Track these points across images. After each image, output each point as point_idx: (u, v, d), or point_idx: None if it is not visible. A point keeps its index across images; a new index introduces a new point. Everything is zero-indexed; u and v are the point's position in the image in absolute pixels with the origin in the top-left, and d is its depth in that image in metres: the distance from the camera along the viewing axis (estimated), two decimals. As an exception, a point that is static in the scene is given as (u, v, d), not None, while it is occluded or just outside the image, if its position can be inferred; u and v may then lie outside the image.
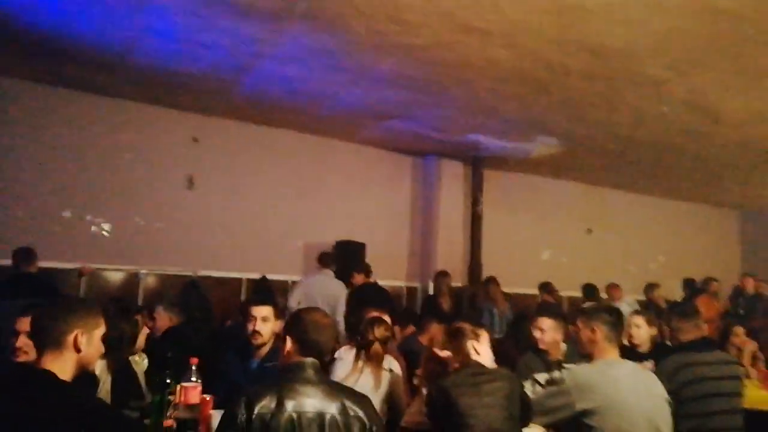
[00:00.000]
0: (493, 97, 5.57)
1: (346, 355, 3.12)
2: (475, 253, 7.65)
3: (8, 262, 4.69)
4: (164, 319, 3.72)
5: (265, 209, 6.94)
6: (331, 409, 1.89)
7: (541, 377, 3.26)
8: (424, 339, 4.96)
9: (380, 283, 7.10)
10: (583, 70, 4.85)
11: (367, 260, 7.04)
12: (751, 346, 4.93)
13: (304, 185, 7.26)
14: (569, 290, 7.44)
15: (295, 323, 2.07)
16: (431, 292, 7.52)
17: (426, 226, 8.03)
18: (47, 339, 1.74)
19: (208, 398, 2.40)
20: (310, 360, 1.97)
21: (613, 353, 2.57)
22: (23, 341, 2.22)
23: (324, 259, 5.85)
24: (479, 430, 2.27)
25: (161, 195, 6.37)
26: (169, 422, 2.23)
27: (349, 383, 2.68)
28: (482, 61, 4.74)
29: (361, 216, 7.56)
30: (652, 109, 5.67)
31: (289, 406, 1.84)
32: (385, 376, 3.03)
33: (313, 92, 5.73)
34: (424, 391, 3.36)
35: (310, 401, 1.88)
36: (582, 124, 6.31)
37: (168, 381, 2.28)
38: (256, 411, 1.81)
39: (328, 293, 5.57)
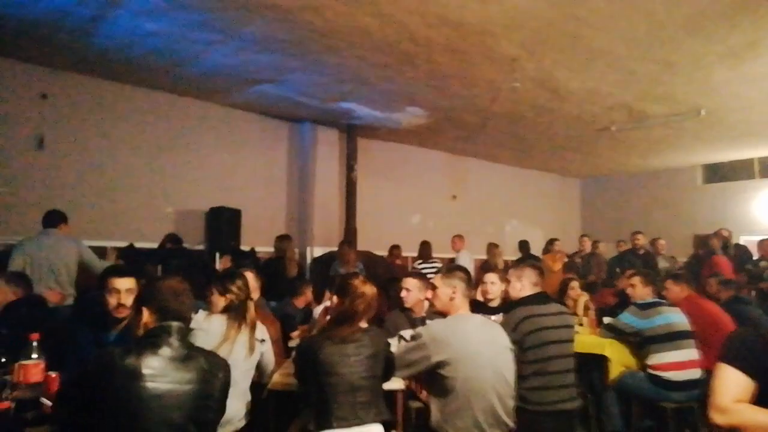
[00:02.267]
0: (362, 65, 5.63)
1: (207, 324, 2.80)
2: (349, 218, 7.81)
3: None
4: (6, 293, 3.36)
5: (129, 173, 6.46)
6: (190, 375, 1.89)
7: (407, 334, 3.47)
8: (299, 302, 5.05)
9: (257, 250, 7.03)
10: (444, 44, 5.07)
11: (243, 227, 6.92)
12: (584, 298, 5.62)
13: (173, 149, 6.85)
14: (436, 252, 7.89)
15: (152, 293, 2.01)
16: (309, 257, 7.62)
17: (303, 192, 8.02)
18: None
19: (53, 375, 2.27)
20: (176, 324, 1.94)
21: (465, 308, 2.79)
22: None
23: (48, 218, 4.95)
24: (342, 387, 2.37)
25: (7, 156, 5.66)
26: (5, 404, 2.06)
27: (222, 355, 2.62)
28: (350, 28, 4.76)
29: (236, 182, 7.36)
30: (506, 85, 6.06)
31: (147, 372, 1.81)
32: (258, 346, 2.85)
33: (175, 50, 5.38)
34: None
35: (170, 367, 1.86)
36: (445, 96, 6.61)
37: (3, 360, 2.09)
38: (109, 378, 1.76)
39: (57, 255, 4.76)
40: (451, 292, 2.77)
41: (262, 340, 2.87)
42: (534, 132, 8.26)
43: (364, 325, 2.66)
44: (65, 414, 1.93)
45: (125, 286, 2.79)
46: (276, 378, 2.98)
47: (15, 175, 5.70)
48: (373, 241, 7.96)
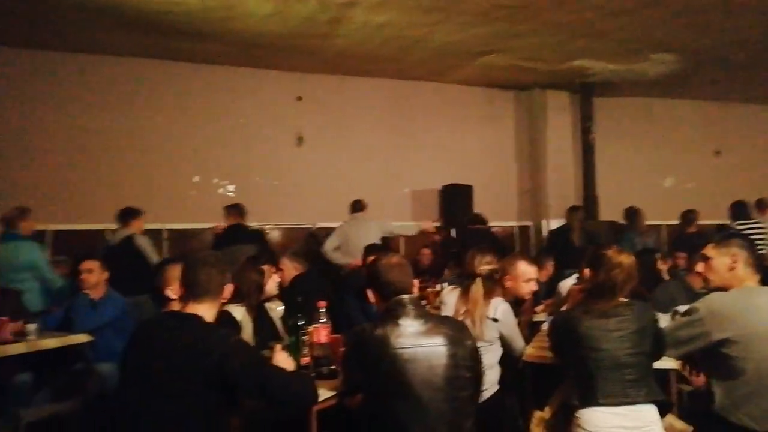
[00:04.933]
0: (597, 15, 5.15)
1: (449, 298, 2.91)
2: (589, 186, 7.33)
3: (157, 226, 5.28)
4: (289, 268, 3.98)
5: (370, 159, 7.09)
6: (436, 340, 2.00)
7: (683, 309, 3.10)
8: (541, 275, 4.93)
9: (490, 224, 7.07)
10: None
11: (475, 202, 7.01)
12: None
13: (406, 132, 7.28)
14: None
15: (372, 274, 2.17)
16: (545, 230, 7.42)
17: (534, 163, 7.79)
18: (200, 289, 1.96)
19: (337, 336, 2.59)
20: (407, 296, 2.07)
21: (752, 279, 2.37)
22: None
23: (354, 206, 6.03)
24: (606, 363, 2.23)
25: (275, 154, 6.70)
26: (305, 359, 2.44)
27: None
28: (584, -24, 4.38)
29: (465, 158, 7.48)
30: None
31: (395, 340, 1.97)
32: (491, 326, 2.79)
33: (403, 37, 5.66)
34: (544, 327, 3.35)
35: (416, 335, 1.99)
36: (703, 34, 5.67)
37: (301, 323, 2.47)
38: (366, 349, 1.99)
39: (357, 235, 5.75)
40: (730, 261, 2.37)
41: (495, 319, 2.80)
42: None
43: (624, 298, 2.45)
44: (348, 373, 2.22)
45: None
46: (530, 350, 2.94)
47: (282, 170, 6.71)
48: (616, 209, 7.30)
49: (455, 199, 6.92)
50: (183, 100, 6.35)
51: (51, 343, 3.59)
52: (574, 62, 6.50)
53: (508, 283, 3.03)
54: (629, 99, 8.08)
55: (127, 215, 5.01)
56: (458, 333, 2.08)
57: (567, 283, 3.79)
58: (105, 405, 3.23)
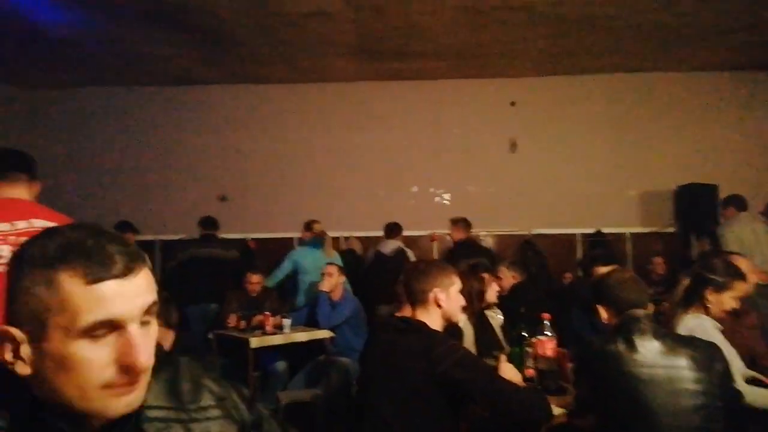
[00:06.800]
0: None
1: None
2: None
3: (379, 233, 5.77)
4: (507, 277, 3.95)
5: (589, 161, 6.67)
6: (679, 362, 1.82)
7: None
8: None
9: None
10: None
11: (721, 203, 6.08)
12: None
13: (630, 129, 6.68)
14: None
15: (600, 290, 2.06)
16: None
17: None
18: (414, 296, 2.06)
19: (564, 351, 2.49)
20: (643, 312, 1.93)
21: None
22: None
23: (735, 202, 5.23)
24: None
25: (489, 161, 6.75)
26: (530, 372, 2.39)
27: None
28: None
29: (707, 153, 6.55)
30: None
31: (627, 357, 1.85)
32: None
33: (627, 26, 5.19)
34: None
35: (654, 354, 1.84)
36: None
37: (524, 334, 2.43)
38: (593, 363, 1.91)
39: (754, 236, 4.95)
40: None
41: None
42: None
43: None
44: (577, 390, 2.13)
45: None
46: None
47: (496, 176, 6.71)
48: None
49: (695, 201, 6.11)
50: (401, 115, 6.79)
51: (301, 336, 4.22)
52: None
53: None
54: None
55: (393, 230, 5.68)
56: (706, 354, 1.85)
57: None
58: (347, 395, 3.61)
